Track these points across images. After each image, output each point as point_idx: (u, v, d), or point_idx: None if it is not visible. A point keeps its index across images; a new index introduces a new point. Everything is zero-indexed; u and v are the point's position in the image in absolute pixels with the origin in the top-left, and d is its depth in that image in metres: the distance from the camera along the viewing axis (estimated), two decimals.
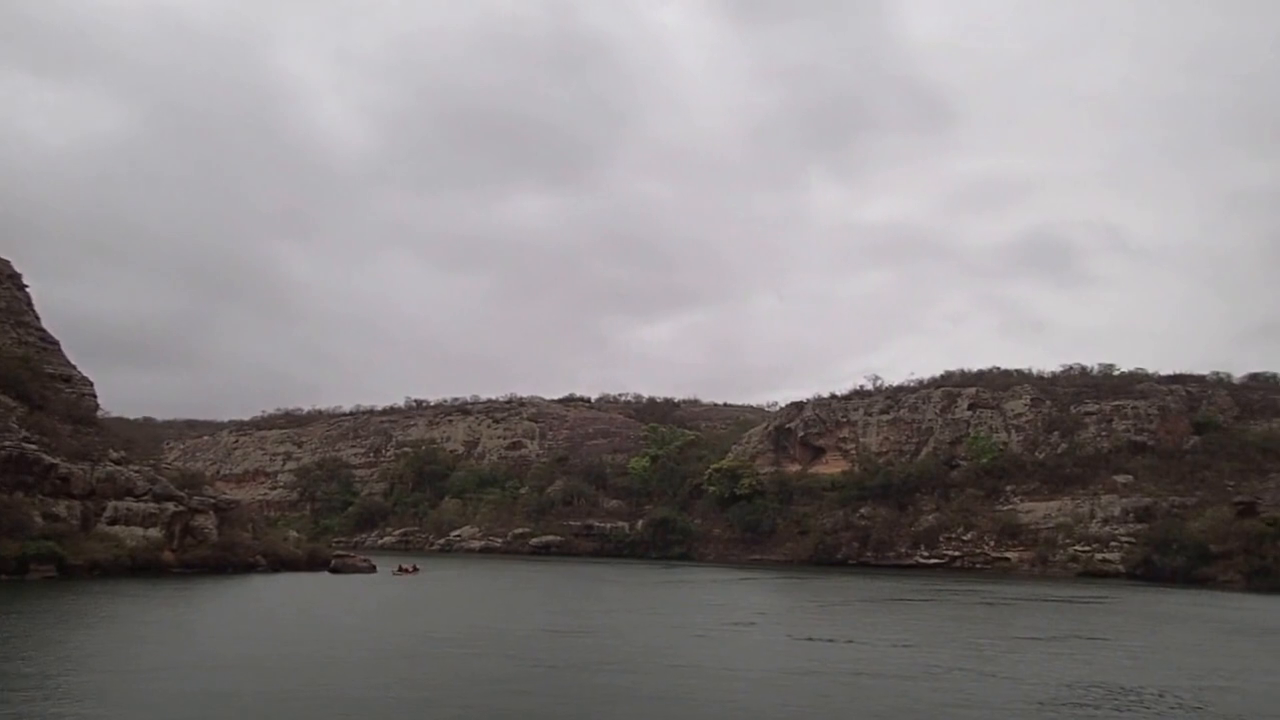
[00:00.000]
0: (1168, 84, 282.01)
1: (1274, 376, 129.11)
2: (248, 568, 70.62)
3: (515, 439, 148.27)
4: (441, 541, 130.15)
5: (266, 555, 74.44)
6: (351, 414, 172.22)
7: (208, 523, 70.63)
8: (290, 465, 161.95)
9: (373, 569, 77.21)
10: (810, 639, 37.21)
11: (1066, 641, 37.64)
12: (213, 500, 74.81)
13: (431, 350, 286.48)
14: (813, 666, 29.70)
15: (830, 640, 36.90)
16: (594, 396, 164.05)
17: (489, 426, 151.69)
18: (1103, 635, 39.91)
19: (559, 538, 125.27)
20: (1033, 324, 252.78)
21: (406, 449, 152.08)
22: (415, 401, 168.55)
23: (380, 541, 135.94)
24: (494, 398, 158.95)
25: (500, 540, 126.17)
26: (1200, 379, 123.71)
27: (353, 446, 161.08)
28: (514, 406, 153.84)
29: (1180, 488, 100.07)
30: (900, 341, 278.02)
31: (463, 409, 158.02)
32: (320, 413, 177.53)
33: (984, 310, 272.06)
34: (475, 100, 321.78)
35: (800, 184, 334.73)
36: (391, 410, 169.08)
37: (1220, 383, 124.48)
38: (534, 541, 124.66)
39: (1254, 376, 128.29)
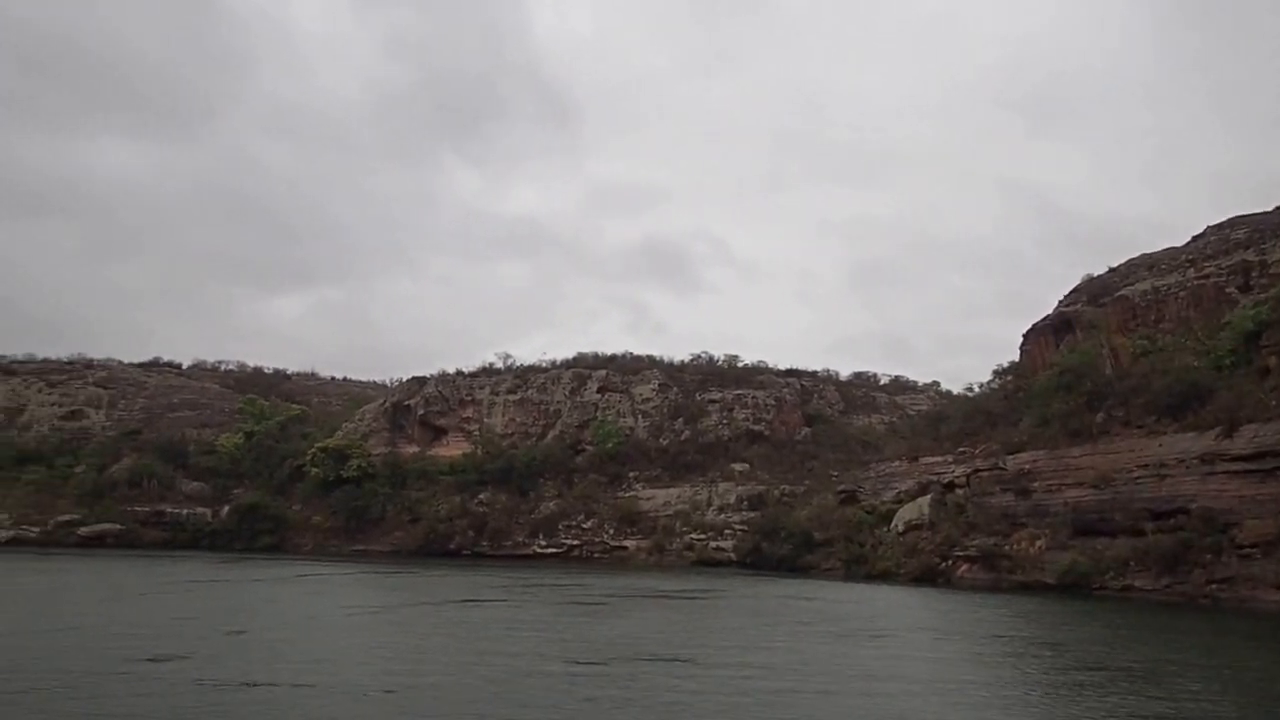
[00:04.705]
0: (775, 117, 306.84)
1: (874, 376, 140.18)
2: None
3: (75, 407, 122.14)
4: None
5: None
6: None
7: None
8: None
9: None
10: (248, 684, 24.58)
11: (632, 667, 28.36)
12: None
13: None
14: None
15: (273, 685, 24.63)
16: (186, 363, 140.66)
17: (40, 391, 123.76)
18: (689, 653, 31.29)
19: (119, 526, 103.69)
20: (655, 326, 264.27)
21: None
22: None
23: None
24: (52, 357, 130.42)
25: (38, 530, 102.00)
26: (813, 374, 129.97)
27: None
28: (76, 369, 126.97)
29: (791, 476, 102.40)
30: (537, 335, 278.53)
31: (6, 369, 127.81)
32: None
33: (612, 310, 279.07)
34: (49, 21, 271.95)
35: (432, 166, 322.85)
36: None
37: (829, 379, 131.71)
38: (84, 531, 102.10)
39: (857, 375, 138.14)
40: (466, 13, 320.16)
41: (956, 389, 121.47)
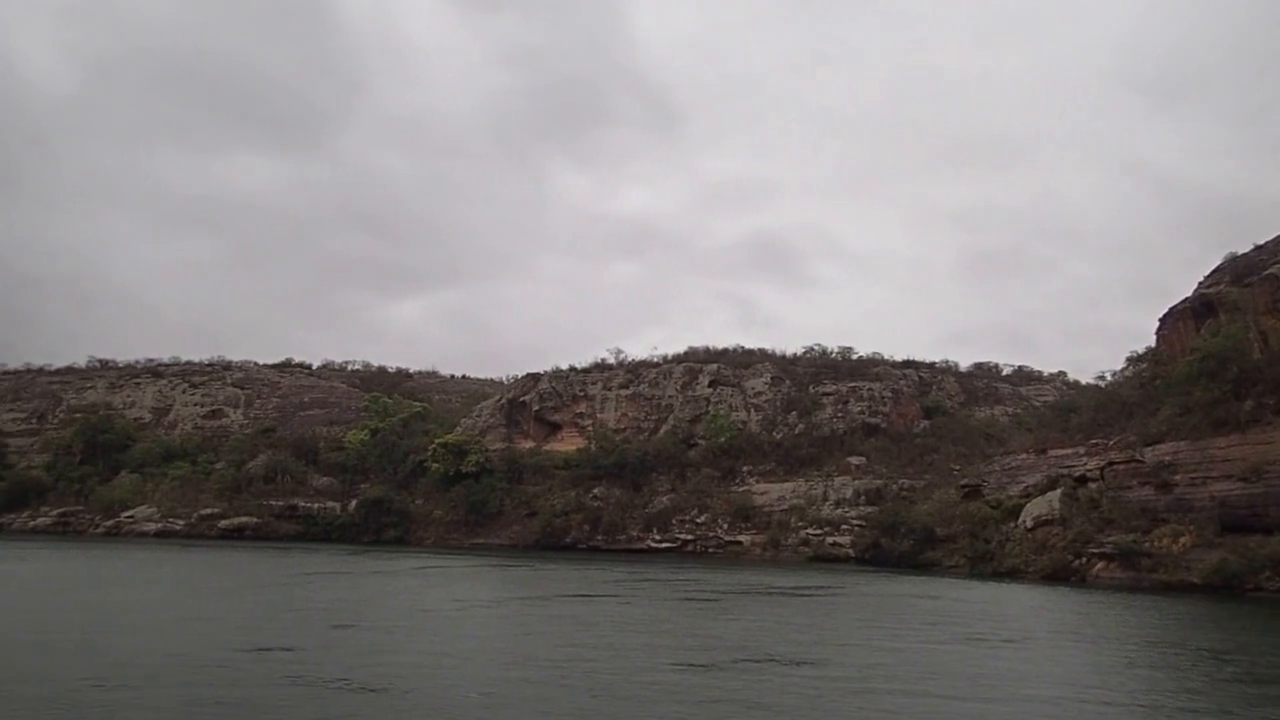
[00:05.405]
0: (884, 105, 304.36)
1: (996, 366, 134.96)
2: None
3: (215, 406, 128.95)
4: (109, 524, 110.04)
5: None
6: (13, 372, 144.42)
7: None
8: None
9: None
10: (342, 680, 23.45)
11: (747, 668, 26.70)
12: None
13: (140, 317, 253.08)
14: None
15: (367, 684, 23.08)
16: (316, 364, 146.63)
17: (184, 391, 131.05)
18: (808, 654, 29.17)
19: (256, 519, 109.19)
20: (765, 320, 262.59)
21: (78, 414, 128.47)
22: (99, 361, 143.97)
23: (33, 523, 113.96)
24: (194, 360, 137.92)
25: (182, 522, 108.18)
26: (931, 365, 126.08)
27: (10, 410, 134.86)
28: (216, 370, 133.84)
29: (910, 470, 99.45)
30: (648, 332, 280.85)
31: (154, 371, 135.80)
32: None
33: (722, 306, 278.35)
34: (188, 49, 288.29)
35: (542, 170, 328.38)
36: (68, 370, 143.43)
37: (949, 370, 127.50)
38: (224, 524, 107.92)
39: (978, 365, 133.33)
40: (571, 18, 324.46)
41: (1085, 379, 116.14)
